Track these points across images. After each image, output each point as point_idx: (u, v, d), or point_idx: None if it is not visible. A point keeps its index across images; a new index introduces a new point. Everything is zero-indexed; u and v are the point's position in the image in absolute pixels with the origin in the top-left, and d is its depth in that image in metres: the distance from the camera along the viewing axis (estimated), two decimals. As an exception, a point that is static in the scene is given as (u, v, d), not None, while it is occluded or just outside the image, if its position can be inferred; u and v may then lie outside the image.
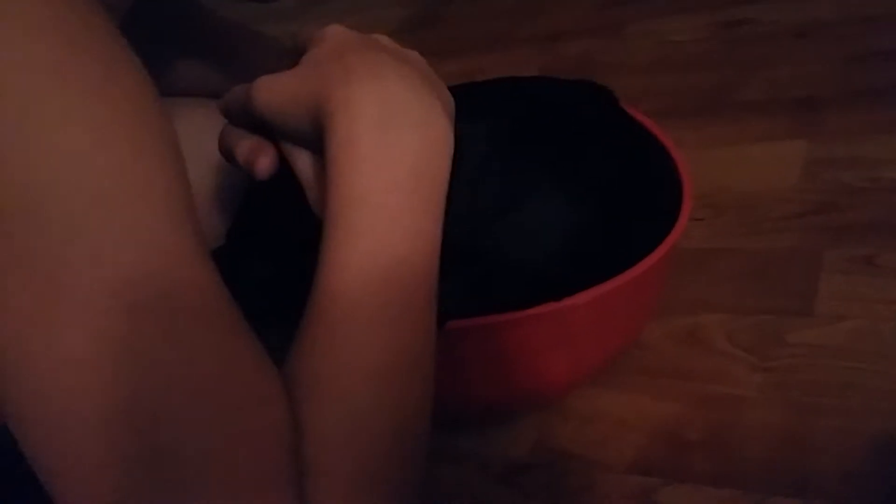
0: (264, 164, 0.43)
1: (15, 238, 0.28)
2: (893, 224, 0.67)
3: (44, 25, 0.30)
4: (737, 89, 0.93)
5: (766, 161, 0.80)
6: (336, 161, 0.38)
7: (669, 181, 0.59)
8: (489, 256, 0.51)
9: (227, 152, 0.45)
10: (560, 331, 0.53)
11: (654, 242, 0.55)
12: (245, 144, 0.44)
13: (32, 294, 0.28)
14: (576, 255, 0.53)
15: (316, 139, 0.40)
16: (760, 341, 0.62)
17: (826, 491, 0.51)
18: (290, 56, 0.44)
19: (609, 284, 0.52)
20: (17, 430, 0.29)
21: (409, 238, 0.37)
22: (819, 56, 0.92)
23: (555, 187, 0.53)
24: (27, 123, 0.29)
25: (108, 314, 0.28)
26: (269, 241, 0.54)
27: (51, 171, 0.29)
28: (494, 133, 0.54)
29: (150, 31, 0.47)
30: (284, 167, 0.45)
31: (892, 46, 0.88)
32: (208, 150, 0.48)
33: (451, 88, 0.47)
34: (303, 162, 0.43)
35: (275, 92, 0.40)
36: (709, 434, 0.57)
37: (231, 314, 0.33)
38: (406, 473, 0.35)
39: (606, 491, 0.56)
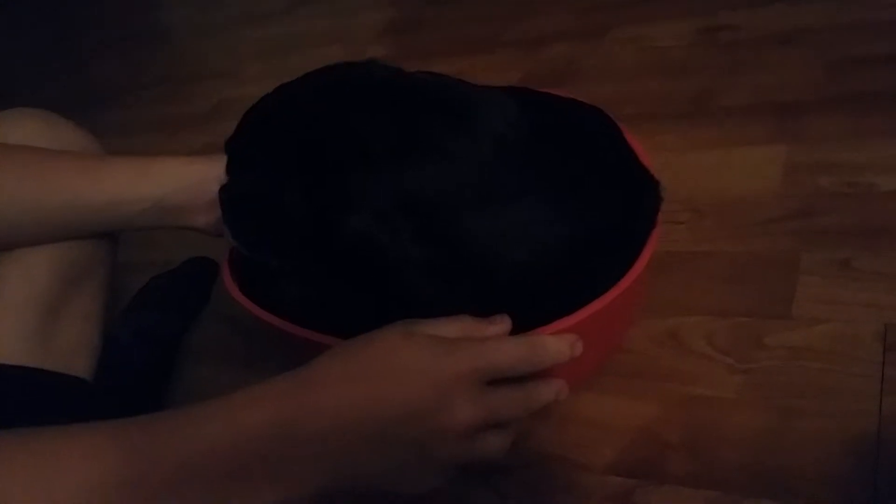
0: None
1: None
2: (870, 228, 0.68)
3: None
4: (719, 94, 0.93)
5: (748, 165, 0.80)
6: None
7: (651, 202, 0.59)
8: (461, 244, 0.51)
9: None
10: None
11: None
12: None
13: None
14: (555, 263, 0.53)
15: None
16: (739, 344, 0.62)
17: (804, 493, 0.51)
18: None
19: (575, 317, 0.52)
20: None
21: None
22: (801, 62, 0.93)
23: (544, 192, 0.53)
24: None
25: None
26: (269, 145, 0.55)
27: None
28: (522, 107, 0.55)
29: None
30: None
31: (872, 53, 0.89)
32: None
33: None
34: None
35: None
36: (688, 436, 0.58)
37: None
38: None
39: (585, 492, 0.56)
